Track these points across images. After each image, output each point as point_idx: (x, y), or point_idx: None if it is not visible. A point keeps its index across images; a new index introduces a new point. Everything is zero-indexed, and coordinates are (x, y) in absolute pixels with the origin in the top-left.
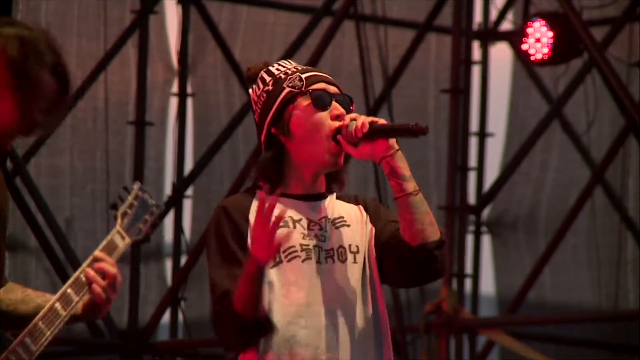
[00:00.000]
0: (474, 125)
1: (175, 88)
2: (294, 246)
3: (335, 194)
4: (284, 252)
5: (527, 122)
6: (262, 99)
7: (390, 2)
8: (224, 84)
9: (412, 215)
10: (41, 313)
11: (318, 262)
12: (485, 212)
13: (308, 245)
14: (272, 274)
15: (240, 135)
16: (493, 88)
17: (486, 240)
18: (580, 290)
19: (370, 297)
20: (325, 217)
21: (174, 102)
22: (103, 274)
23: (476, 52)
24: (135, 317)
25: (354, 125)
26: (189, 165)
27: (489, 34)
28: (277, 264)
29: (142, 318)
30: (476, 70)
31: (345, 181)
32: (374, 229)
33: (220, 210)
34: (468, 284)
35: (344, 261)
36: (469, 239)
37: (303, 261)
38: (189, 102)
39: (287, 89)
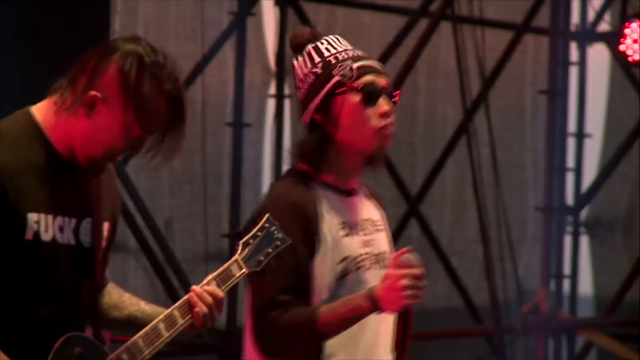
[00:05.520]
0: (571, 126)
1: (272, 89)
2: (360, 254)
3: (363, 190)
4: (353, 260)
5: (625, 122)
6: (309, 81)
7: (487, 3)
8: None
9: None
10: (143, 331)
11: (374, 269)
12: (583, 213)
13: (368, 252)
14: (343, 284)
15: None
16: (591, 89)
17: (584, 241)
18: None
19: None
20: (369, 219)
21: (271, 104)
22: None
23: (573, 53)
24: (234, 317)
25: None
26: (286, 167)
27: (587, 35)
28: (346, 274)
29: (240, 318)
30: (574, 71)
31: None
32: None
33: (287, 207)
34: (566, 284)
35: (384, 267)
36: (567, 240)
37: (367, 270)
38: (287, 103)
39: (337, 78)
